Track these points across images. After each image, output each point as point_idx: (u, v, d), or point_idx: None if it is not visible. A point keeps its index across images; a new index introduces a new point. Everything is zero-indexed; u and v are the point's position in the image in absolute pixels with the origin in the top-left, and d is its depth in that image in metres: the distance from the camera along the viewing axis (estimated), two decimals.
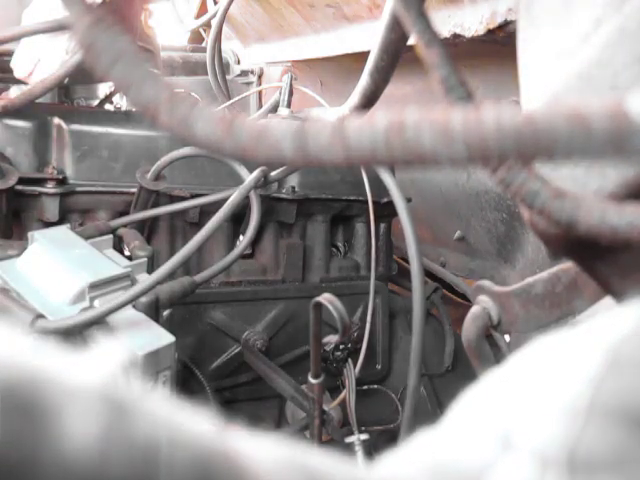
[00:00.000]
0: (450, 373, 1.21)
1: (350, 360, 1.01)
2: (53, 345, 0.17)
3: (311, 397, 0.84)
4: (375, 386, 1.14)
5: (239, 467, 0.17)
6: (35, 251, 0.77)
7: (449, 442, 0.25)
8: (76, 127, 0.97)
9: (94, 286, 0.73)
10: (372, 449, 0.94)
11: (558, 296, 0.48)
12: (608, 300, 0.40)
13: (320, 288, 1.08)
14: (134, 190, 0.96)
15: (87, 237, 0.84)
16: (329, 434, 0.90)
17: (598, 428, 0.21)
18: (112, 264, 0.79)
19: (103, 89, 1.43)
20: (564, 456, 0.21)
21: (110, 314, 0.69)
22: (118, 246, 0.90)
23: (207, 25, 1.71)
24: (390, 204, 0.93)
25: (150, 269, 0.84)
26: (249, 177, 0.92)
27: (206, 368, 1.00)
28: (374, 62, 0.52)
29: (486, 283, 0.50)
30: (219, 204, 0.89)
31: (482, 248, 1.34)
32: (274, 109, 1.11)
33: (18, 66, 1.02)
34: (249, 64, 1.95)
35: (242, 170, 0.97)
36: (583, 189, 0.35)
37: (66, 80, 0.96)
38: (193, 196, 0.99)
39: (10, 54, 1.05)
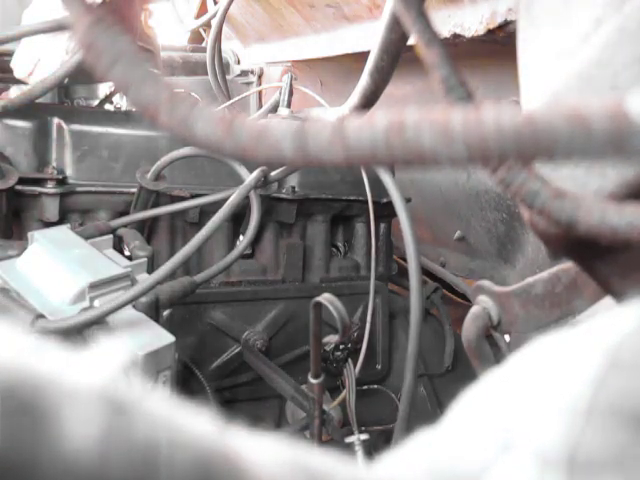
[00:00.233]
0: (450, 373, 1.21)
1: (350, 360, 1.01)
2: (53, 345, 0.17)
3: (311, 397, 0.84)
4: (375, 386, 1.14)
5: (239, 468, 0.17)
6: (35, 251, 0.77)
7: (449, 442, 0.25)
8: (76, 127, 0.97)
9: (94, 286, 0.73)
10: (372, 449, 0.94)
11: (558, 296, 0.48)
12: (608, 300, 0.40)
13: (320, 288, 1.08)
14: (134, 190, 0.96)
15: (87, 237, 0.84)
16: (329, 434, 0.90)
17: (598, 428, 0.21)
18: (112, 264, 0.79)
19: (103, 89, 1.43)
20: (564, 457, 0.21)
21: (110, 314, 0.69)
22: (118, 246, 0.90)
23: (207, 25, 1.71)
24: (390, 204, 0.93)
25: (150, 269, 0.84)
26: (249, 177, 0.92)
27: (206, 368, 1.00)
28: (374, 62, 0.52)
29: (486, 283, 0.50)
30: (219, 204, 0.89)
31: (482, 248, 1.34)
32: (274, 109, 1.11)
33: (18, 66, 1.02)
34: (249, 64, 1.95)
35: (242, 170, 0.97)
36: (583, 189, 0.35)
37: (66, 80, 0.95)
38: (193, 196, 0.99)
39: (10, 54, 1.05)
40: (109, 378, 0.16)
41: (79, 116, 1.00)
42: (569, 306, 0.48)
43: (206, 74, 1.62)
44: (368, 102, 0.56)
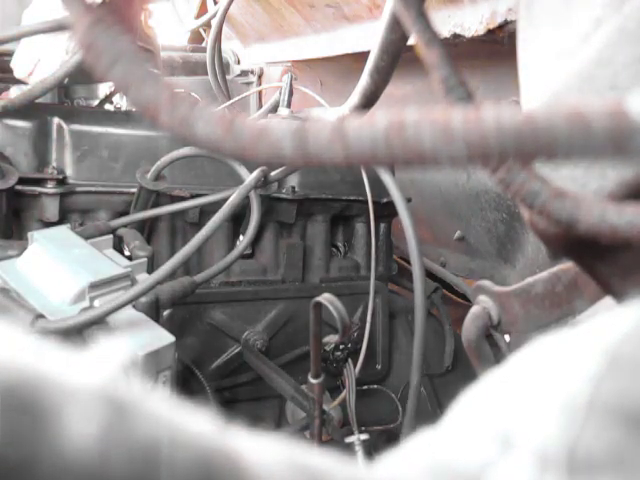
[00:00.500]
0: (450, 373, 1.21)
1: (350, 360, 1.01)
2: (53, 345, 0.17)
3: (311, 397, 0.84)
4: (375, 386, 1.14)
5: (240, 467, 0.17)
6: (35, 251, 0.77)
7: (449, 442, 0.25)
8: (76, 127, 0.97)
9: (94, 286, 0.73)
10: (372, 449, 0.94)
11: (558, 296, 0.48)
12: (608, 300, 0.40)
13: (320, 288, 1.08)
14: (134, 190, 0.96)
15: (87, 237, 0.84)
16: (329, 434, 0.90)
17: (597, 428, 0.21)
18: (112, 264, 0.79)
19: (103, 89, 1.43)
20: (564, 456, 0.21)
21: (110, 314, 0.69)
22: (118, 246, 0.90)
23: (207, 25, 1.71)
24: (390, 204, 0.93)
25: (150, 269, 0.84)
26: (249, 177, 0.92)
27: (206, 368, 1.00)
28: (374, 62, 0.52)
29: (486, 283, 0.50)
30: (219, 204, 0.89)
31: (482, 248, 1.34)
32: (274, 109, 1.11)
33: (18, 66, 1.02)
34: (249, 64, 1.95)
35: (242, 170, 0.97)
36: (583, 189, 0.35)
37: (66, 80, 0.95)
38: (193, 196, 0.99)
39: (10, 54, 1.05)
40: (109, 378, 0.16)
41: (79, 116, 1.00)
42: (569, 306, 0.48)
43: (206, 74, 1.62)
44: (368, 102, 0.56)
